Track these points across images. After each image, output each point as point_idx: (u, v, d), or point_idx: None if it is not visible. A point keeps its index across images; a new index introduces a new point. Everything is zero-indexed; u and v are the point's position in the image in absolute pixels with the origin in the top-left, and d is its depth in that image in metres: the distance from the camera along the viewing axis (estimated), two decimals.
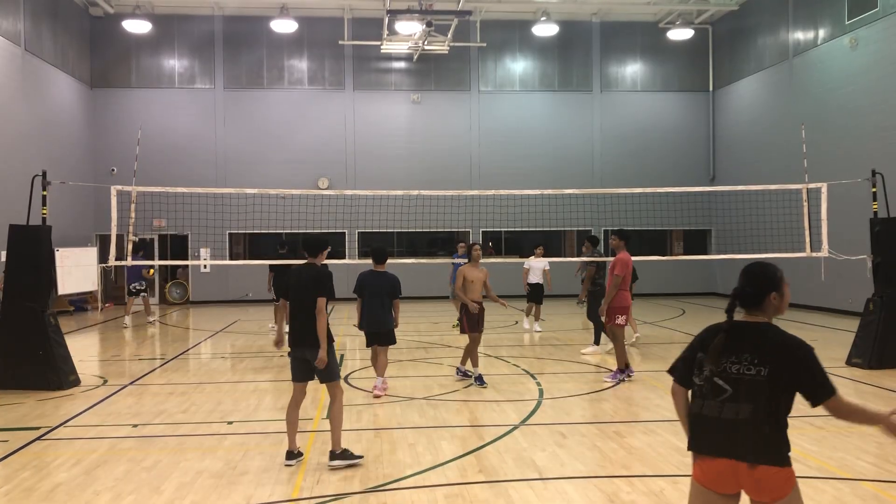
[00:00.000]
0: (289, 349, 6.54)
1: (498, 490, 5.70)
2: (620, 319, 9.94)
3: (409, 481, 5.94)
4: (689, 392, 3.36)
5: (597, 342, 12.57)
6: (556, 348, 13.15)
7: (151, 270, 18.73)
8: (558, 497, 5.55)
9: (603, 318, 10.40)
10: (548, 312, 19.00)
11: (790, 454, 3.12)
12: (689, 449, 3.28)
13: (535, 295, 15.33)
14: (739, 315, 3.32)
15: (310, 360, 6.33)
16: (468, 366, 9.98)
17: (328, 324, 6.43)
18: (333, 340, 6.53)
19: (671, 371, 3.45)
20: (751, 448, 3.06)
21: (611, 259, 12.30)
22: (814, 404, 3.13)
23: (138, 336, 15.92)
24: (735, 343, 3.23)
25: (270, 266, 15.33)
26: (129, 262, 12.64)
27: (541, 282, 15.20)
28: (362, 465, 6.32)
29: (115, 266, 14.42)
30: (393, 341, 9.20)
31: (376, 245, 9.51)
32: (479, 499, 5.53)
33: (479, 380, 9.63)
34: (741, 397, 3.12)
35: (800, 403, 3.19)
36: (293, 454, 6.40)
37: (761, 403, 3.09)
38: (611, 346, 12.22)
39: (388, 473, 6.12)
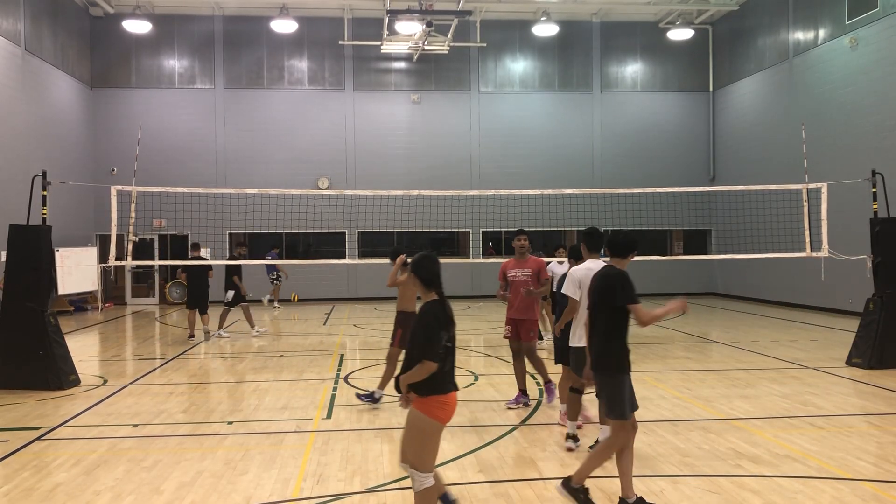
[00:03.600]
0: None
1: (498, 490, 5.70)
2: (505, 331, 8.63)
3: (410, 481, 5.93)
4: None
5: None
6: None
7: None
8: (558, 497, 5.55)
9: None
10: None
11: None
12: (437, 393, 4.43)
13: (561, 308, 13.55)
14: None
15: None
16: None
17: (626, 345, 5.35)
18: (627, 369, 5.34)
19: (437, 358, 4.41)
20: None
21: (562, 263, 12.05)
22: None
23: (140, 336, 15.94)
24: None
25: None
26: (130, 261, 12.63)
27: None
28: (362, 465, 6.32)
29: (115, 266, 14.43)
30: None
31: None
32: (479, 499, 5.53)
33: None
34: (455, 350, 4.60)
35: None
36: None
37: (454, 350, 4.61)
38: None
39: (388, 473, 6.12)
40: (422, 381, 4.45)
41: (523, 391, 8.62)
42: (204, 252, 15.97)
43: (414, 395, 4.49)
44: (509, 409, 8.45)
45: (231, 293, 14.82)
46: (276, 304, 21.31)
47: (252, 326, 15.24)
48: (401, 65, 23.93)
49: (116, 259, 12.19)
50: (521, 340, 8.46)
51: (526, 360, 8.60)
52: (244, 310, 15.16)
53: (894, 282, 10.82)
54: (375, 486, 5.83)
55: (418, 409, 4.48)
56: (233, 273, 14.80)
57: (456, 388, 4.61)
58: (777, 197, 16.59)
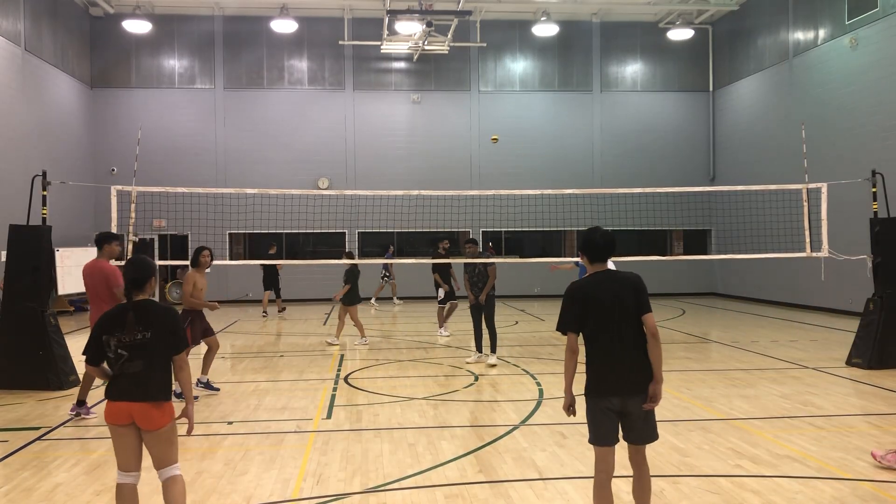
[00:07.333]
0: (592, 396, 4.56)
1: (498, 490, 5.70)
2: None
3: (409, 481, 5.94)
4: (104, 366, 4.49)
5: (479, 349, 11.66)
6: (556, 348, 13.15)
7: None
8: (558, 497, 5.55)
9: None
10: (547, 312, 19.02)
11: None
12: (106, 398, 4.42)
13: None
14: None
15: (633, 409, 4.50)
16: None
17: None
18: None
19: (90, 360, 4.45)
20: (142, 392, 4.36)
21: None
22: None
23: None
24: (137, 318, 4.39)
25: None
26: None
27: None
28: (362, 465, 6.33)
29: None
30: None
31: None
32: (479, 499, 5.53)
33: None
34: (135, 357, 4.36)
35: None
36: None
37: (147, 359, 4.38)
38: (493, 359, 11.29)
39: (388, 473, 6.12)
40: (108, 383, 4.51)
41: (83, 402, 8.16)
42: (272, 251, 19.56)
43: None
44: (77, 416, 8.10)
45: (441, 291, 14.65)
46: (373, 301, 21.64)
47: (440, 325, 14.80)
48: (401, 65, 23.93)
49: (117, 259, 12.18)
50: None
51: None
52: (442, 309, 14.74)
53: (894, 282, 10.83)
54: (375, 486, 5.83)
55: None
56: (434, 271, 14.66)
57: (123, 399, 4.39)
58: (777, 197, 16.60)
